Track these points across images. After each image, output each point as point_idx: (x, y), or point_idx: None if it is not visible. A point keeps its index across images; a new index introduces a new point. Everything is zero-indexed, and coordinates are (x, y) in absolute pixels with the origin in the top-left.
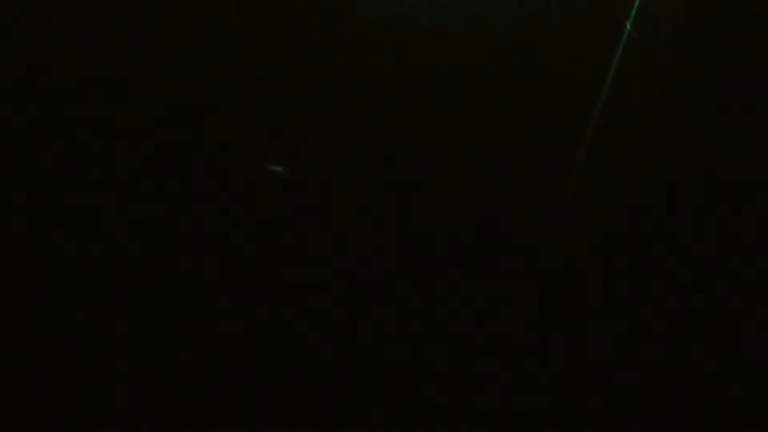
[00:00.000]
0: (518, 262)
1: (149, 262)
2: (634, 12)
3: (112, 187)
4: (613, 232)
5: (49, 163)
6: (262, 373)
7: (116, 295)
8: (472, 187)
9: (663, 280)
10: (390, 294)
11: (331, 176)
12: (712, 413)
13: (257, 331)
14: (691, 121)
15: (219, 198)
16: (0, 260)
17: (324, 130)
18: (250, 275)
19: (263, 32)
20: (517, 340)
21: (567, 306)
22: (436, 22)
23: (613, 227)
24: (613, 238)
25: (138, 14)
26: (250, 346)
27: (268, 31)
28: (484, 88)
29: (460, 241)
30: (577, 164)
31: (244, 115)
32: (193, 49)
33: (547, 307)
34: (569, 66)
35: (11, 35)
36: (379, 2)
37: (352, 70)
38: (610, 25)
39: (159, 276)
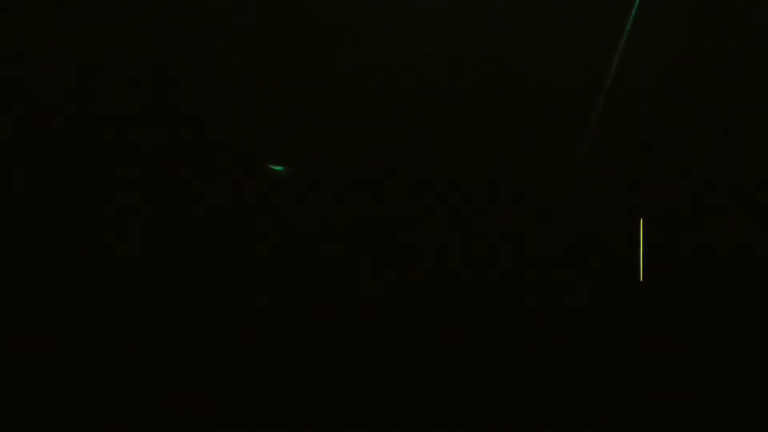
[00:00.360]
0: (518, 261)
1: (149, 261)
2: (634, 11)
3: (112, 187)
4: (612, 232)
5: (46, 165)
6: (262, 373)
7: (116, 296)
8: (472, 186)
9: (663, 278)
10: (392, 294)
11: (331, 175)
12: (712, 413)
13: (257, 331)
14: (692, 120)
15: (218, 197)
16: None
17: (324, 130)
18: (251, 274)
19: (264, 32)
20: (515, 341)
21: (567, 306)
22: (434, 23)
23: (612, 227)
24: (613, 238)
25: (137, 12)
26: (251, 346)
27: (268, 31)
28: (483, 89)
29: (461, 241)
30: (577, 164)
31: (244, 115)
32: (193, 48)
33: (547, 306)
34: (568, 67)
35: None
36: (380, 5)
37: (351, 71)
38: (610, 24)
39: (159, 275)
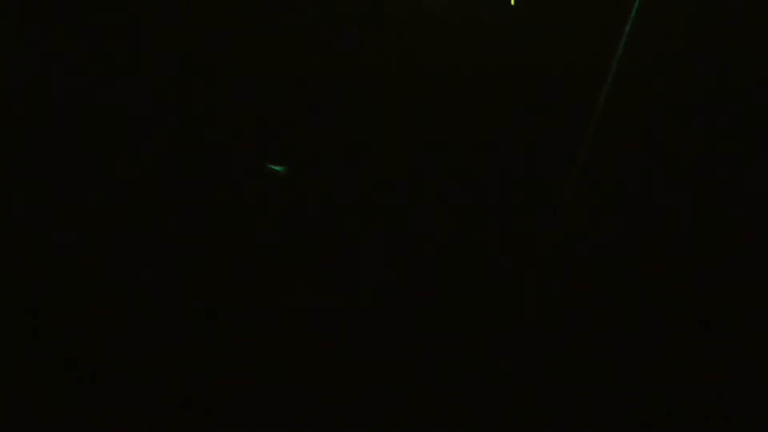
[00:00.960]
0: (517, 260)
1: (149, 261)
2: (634, 10)
3: (112, 187)
4: (612, 230)
5: (45, 163)
6: (262, 374)
7: (116, 295)
8: (471, 185)
9: (664, 278)
10: (391, 293)
11: (331, 175)
12: (712, 413)
13: (257, 331)
14: (692, 118)
15: (218, 197)
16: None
17: (323, 129)
18: (250, 275)
19: (264, 30)
20: (516, 337)
21: (567, 305)
22: (434, 20)
23: (612, 225)
24: (613, 236)
25: (137, 12)
26: (251, 346)
27: (268, 29)
28: (483, 87)
29: (459, 238)
30: (577, 163)
31: (244, 114)
32: (194, 48)
33: (547, 304)
34: (569, 64)
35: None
36: (379, 3)
37: (351, 69)
38: (610, 22)
39: (159, 276)
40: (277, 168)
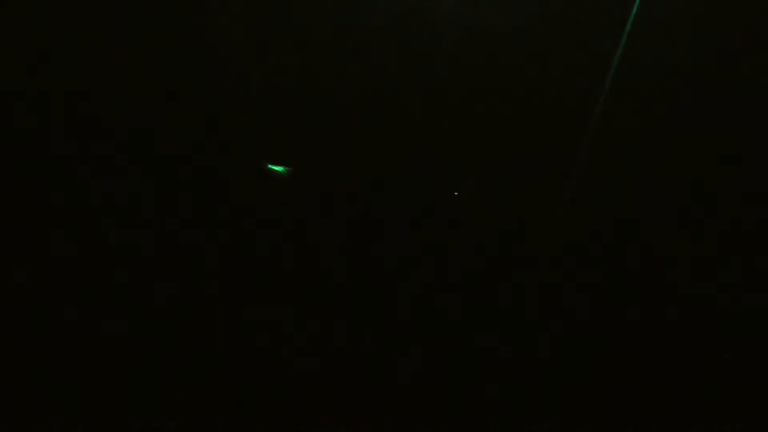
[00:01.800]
0: (518, 260)
1: (149, 262)
2: (634, 11)
3: (112, 186)
4: (611, 229)
5: (50, 163)
6: (262, 374)
7: (116, 295)
8: (473, 184)
9: (662, 278)
10: (392, 292)
11: (332, 176)
12: (712, 413)
13: (256, 331)
14: (691, 120)
15: (219, 198)
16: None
17: (324, 130)
18: (250, 273)
19: (265, 32)
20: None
21: (565, 304)
22: (435, 23)
23: (612, 225)
24: (612, 235)
25: (140, 14)
26: (250, 345)
27: (270, 30)
28: (483, 88)
29: (462, 238)
30: (577, 163)
31: (245, 115)
32: (195, 48)
33: (546, 303)
34: (569, 65)
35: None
36: (380, 4)
37: (353, 71)
38: (610, 24)
39: (159, 276)
40: (277, 168)
